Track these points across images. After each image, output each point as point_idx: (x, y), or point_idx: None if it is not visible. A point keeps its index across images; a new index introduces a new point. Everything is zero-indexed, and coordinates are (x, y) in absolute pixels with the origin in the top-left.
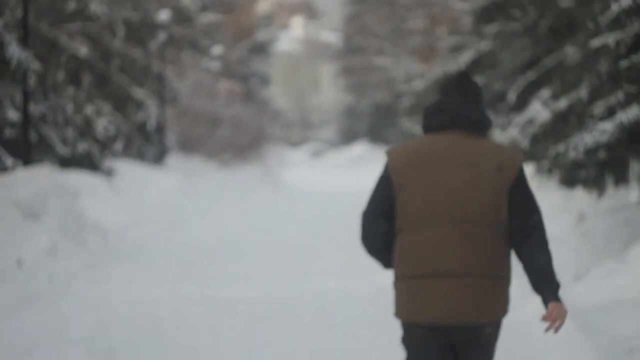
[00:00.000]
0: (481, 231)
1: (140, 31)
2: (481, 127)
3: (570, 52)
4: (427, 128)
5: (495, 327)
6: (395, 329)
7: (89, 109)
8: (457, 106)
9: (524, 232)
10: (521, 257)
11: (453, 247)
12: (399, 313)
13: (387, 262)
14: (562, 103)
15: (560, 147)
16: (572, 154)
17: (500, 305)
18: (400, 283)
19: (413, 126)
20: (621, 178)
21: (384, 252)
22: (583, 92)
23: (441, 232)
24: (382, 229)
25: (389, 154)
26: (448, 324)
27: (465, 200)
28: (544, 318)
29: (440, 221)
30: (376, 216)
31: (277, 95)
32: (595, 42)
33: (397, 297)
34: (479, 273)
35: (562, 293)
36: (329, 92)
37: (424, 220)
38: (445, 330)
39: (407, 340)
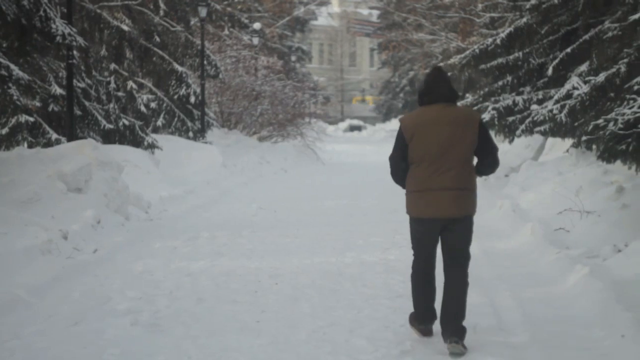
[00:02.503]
0: (458, 163)
1: (181, 7)
2: (454, 99)
3: (608, 27)
4: (421, 103)
5: (469, 218)
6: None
7: (130, 84)
8: (438, 88)
9: (486, 155)
10: (482, 163)
11: (441, 173)
12: (409, 212)
13: (404, 185)
14: (601, 77)
15: (599, 121)
16: (611, 128)
17: (471, 205)
18: (410, 195)
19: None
20: None
21: (403, 179)
22: (622, 67)
23: (434, 165)
24: (401, 166)
25: (402, 120)
26: (441, 217)
27: (448, 145)
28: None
29: (434, 158)
30: (397, 158)
31: (315, 71)
32: (634, 17)
33: (408, 203)
34: (456, 187)
35: (601, 265)
36: (367, 68)
37: (424, 158)
38: (438, 221)
39: (415, 228)
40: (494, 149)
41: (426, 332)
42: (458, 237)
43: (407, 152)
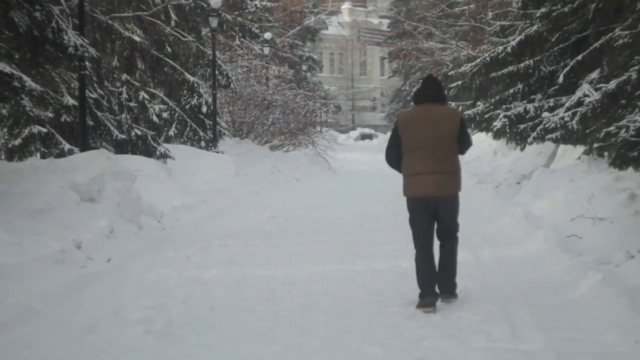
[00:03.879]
0: (444, 152)
1: (192, 17)
2: (442, 100)
3: (619, 34)
4: (415, 102)
5: (455, 197)
6: (447, 307)
7: (142, 95)
8: (429, 91)
9: (463, 145)
10: (460, 150)
11: (429, 160)
12: (405, 193)
13: (399, 170)
14: (612, 84)
15: (611, 128)
16: (623, 135)
17: (456, 186)
18: (405, 178)
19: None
20: None
21: (397, 165)
22: (633, 74)
23: (424, 153)
24: (395, 154)
25: (398, 116)
26: (429, 196)
27: (435, 137)
28: None
29: (422, 148)
30: (392, 148)
31: (326, 80)
32: None
33: (404, 185)
34: (442, 171)
35: (614, 272)
36: (378, 77)
37: (414, 148)
38: (428, 200)
39: (409, 205)
40: (469, 140)
41: (430, 304)
42: (447, 213)
43: (401, 142)
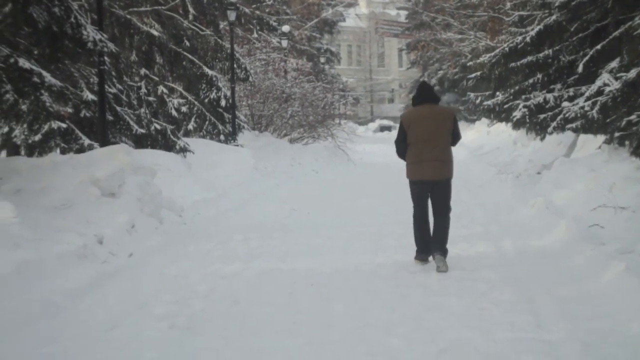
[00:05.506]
0: (440, 143)
1: (210, 11)
2: (437, 101)
3: (639, 23)
4: (415, 104)
5: (449, 180)
6: (469, 298)
7: (161, 89)
8: (426, 94)
9: (455, 138)
10: (452, 142)
11: (429, 150)
12: (408, 176)
13: (404, 158)
14: (632, 73)
15: (632, 117)
16: None
17: (449, 171)
18: (409, 165)
19: (477, 99)
20: None
21: (404, 154)
22: None
23: (425, 144)
24: (402, 145)
25: (402, 116)
26: (428, 179)
27: (433, 133)
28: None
29: (424, 140)
30: (400, 141)
31: (344, 72)
32: None
33: (408, 170)
34: (440, 159)
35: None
36: (396, 68)
37: (418, 140)
38: (428, 182)
39: (412, 187)
40: (459, 135)
41: (423, 259)
42: (441, 194)
43: (406, 136)
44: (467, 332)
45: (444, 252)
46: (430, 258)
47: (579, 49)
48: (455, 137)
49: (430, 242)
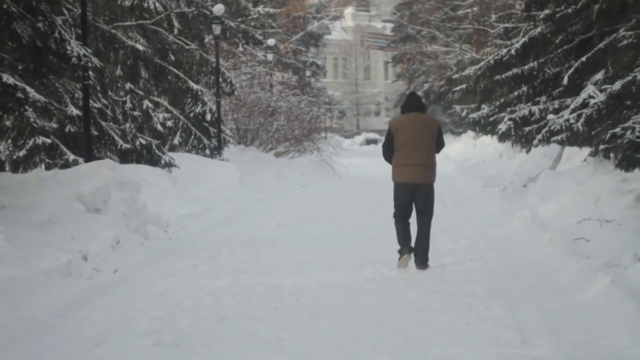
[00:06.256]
0: (425, 149)
1: (196, 25)
2: (424, 109)
3: (623, 35)
4: (403, 112)
5: (431, 185)
6: (456, 313)
7: (146, 104)
8: (413, 103)
9: (439, 146)
10: (436, 148)
11: (414, 155)
12: (393, 179)
13: (391, 162)
14: (617, 85)
15: (617, 130)
16: (629, 136)
17: (432, 176)
18: (394, 169)
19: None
20: None
21: (390, 158)
22: (637, 74)
23: (410, 150)
24: (389, 150)
25: (390, 122)
26: (411, 182)
27: (419, 137)
28: None
29: (410, 145)
30: (387, 145)
31: (330, 85)
32: None
33: (393, 173)
34: (423, 164)
35: (623, 274)
36: (382, 81)
37: (404, 146)
38: (411, 185)
39: (396, 189)
40: (443, 142)
41: (406, 252)
42: (424, 198)
43: (393, 141)
44: (454, 348)
45: (425, 261)
46: (413, 256)
47: (564, 61)
48: (439, 144)
49: (414, 253)
